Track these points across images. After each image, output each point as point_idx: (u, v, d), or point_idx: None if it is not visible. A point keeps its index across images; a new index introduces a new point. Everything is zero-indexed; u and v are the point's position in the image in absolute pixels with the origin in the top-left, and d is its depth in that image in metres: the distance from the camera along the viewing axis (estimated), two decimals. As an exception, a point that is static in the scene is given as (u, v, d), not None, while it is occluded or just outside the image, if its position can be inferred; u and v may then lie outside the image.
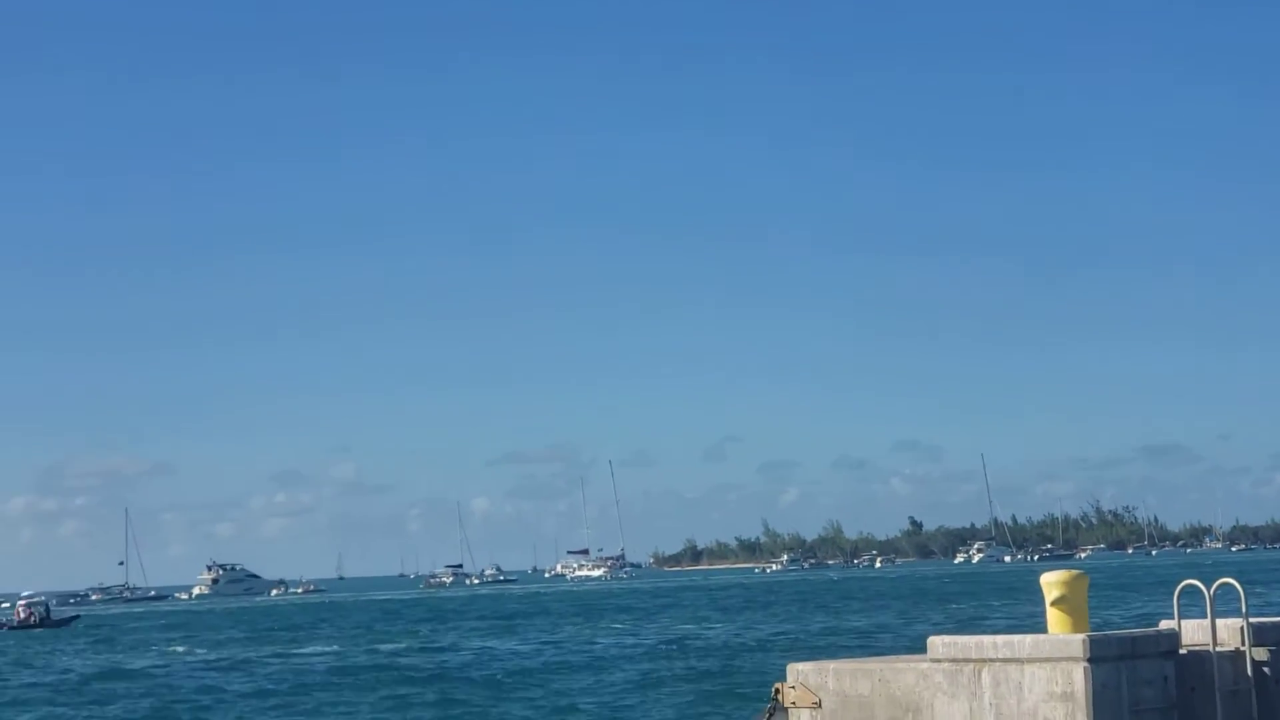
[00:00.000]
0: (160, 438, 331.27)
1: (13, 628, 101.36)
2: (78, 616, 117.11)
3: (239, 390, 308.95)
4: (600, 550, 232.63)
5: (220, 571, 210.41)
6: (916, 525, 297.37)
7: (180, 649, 65.95)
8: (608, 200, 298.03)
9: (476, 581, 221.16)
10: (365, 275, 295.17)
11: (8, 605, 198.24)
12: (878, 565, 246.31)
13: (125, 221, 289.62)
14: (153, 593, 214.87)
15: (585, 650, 52.51)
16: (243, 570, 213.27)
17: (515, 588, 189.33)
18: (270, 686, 42.49)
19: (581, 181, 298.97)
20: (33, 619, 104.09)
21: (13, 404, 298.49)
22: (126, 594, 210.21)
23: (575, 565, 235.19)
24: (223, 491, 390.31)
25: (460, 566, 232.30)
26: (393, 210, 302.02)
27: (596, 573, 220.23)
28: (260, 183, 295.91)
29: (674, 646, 51.84)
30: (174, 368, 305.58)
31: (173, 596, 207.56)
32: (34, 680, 49.71)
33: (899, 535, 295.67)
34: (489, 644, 59.55)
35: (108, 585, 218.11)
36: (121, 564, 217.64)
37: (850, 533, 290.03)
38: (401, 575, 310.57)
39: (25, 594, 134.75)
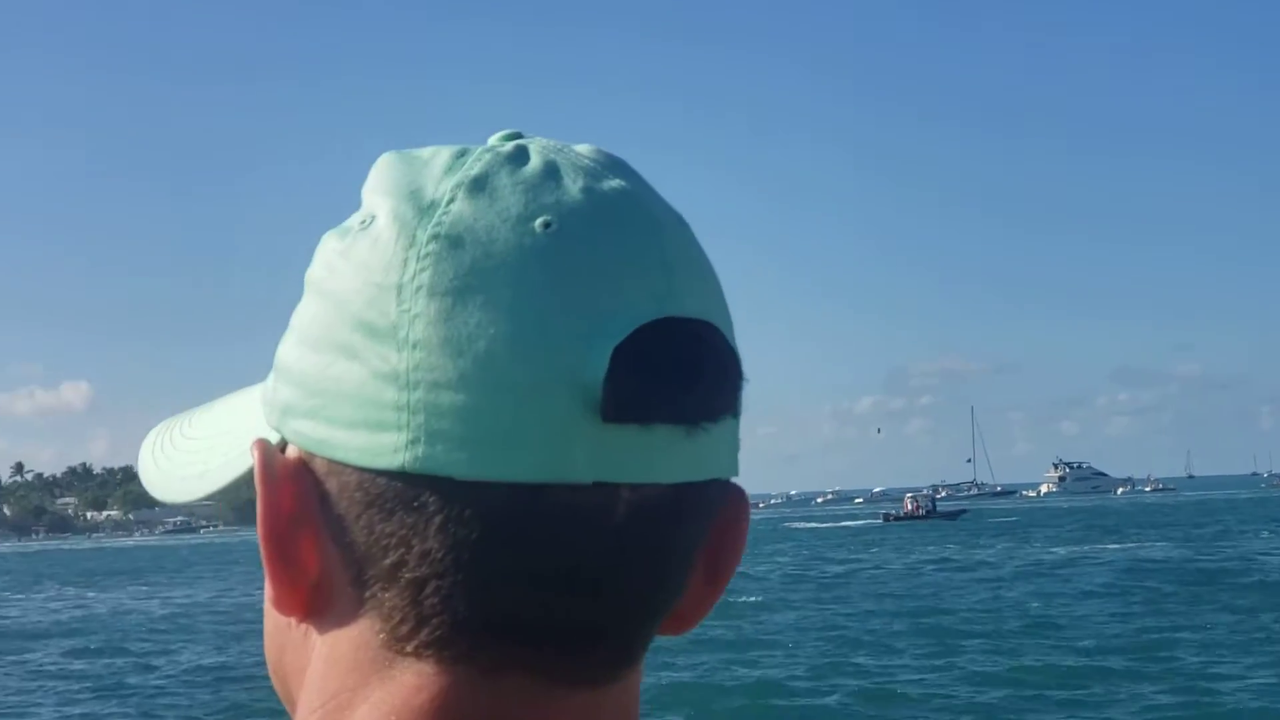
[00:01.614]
0: (1002, 337, 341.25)
1: (898, 519, 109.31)
2: (965, 511, 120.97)
3: (1076, 287, 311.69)
4: None
5: (1066, 469, 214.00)
6: None
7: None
8: None
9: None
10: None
11: (860, 500, 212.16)
12: None
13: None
14: (999, 489, 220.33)
15: None
16: (1089, 468, 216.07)
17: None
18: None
19: None
20: (920, 511, 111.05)
21: (866, 308, 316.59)
22: (974, 490, 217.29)
23: None
24: (1065, 389, 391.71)
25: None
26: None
27: None
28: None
29: None
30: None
31: (1019, 494, 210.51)
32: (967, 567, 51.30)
33: None
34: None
35: (953, 482, 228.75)
36: (969, 461, 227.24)
37: None
38: (1254, 474, 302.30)
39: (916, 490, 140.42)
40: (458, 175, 0.74)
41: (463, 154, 0.76)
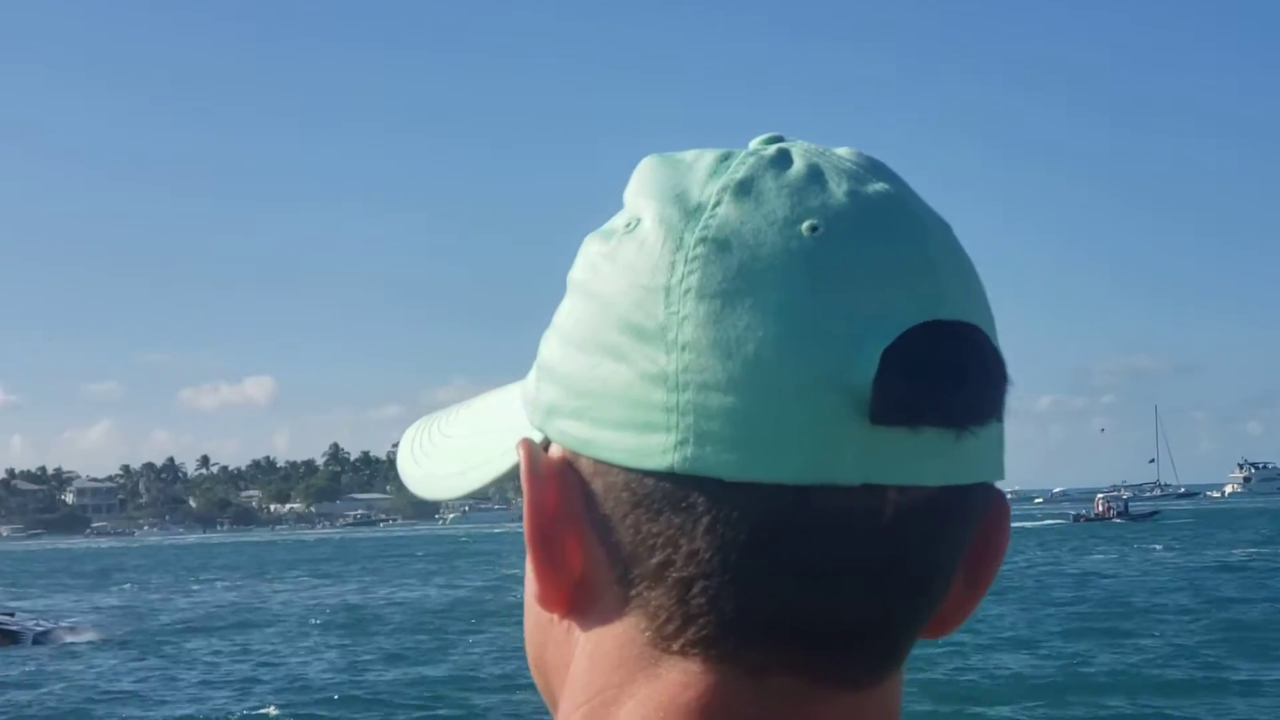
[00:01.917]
0: (1186, 336, 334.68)
1: (1088, 519, 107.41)
2: (1157, 512, 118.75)
3: (1263, 286, 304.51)
4: None
5: (1252, 470, 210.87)
6: None
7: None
8: None
9: None
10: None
11: (1040, 500, 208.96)
12: None
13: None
14: (1182, 489, 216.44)
15: None
16: (1275, 468, 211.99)
17: None
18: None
19: None
20: (1111, 512, 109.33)
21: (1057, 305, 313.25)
22: (1157, 491, 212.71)
23: None
24: (1251, 389, 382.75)
25: None
26: None
27: None
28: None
29: None
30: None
31: (1203, 495, 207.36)
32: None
33: None
34: None
35: (1136, 483, 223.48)
36: (1151, 461, 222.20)
37: None
38: None
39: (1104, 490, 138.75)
40: (723, 179, 0.75)
41: (726, 157, 0.76)
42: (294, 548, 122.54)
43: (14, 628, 39.45)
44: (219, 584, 66.90)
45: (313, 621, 41.44)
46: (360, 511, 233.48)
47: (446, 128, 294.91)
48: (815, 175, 0.74)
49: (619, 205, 0.78)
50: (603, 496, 0.74)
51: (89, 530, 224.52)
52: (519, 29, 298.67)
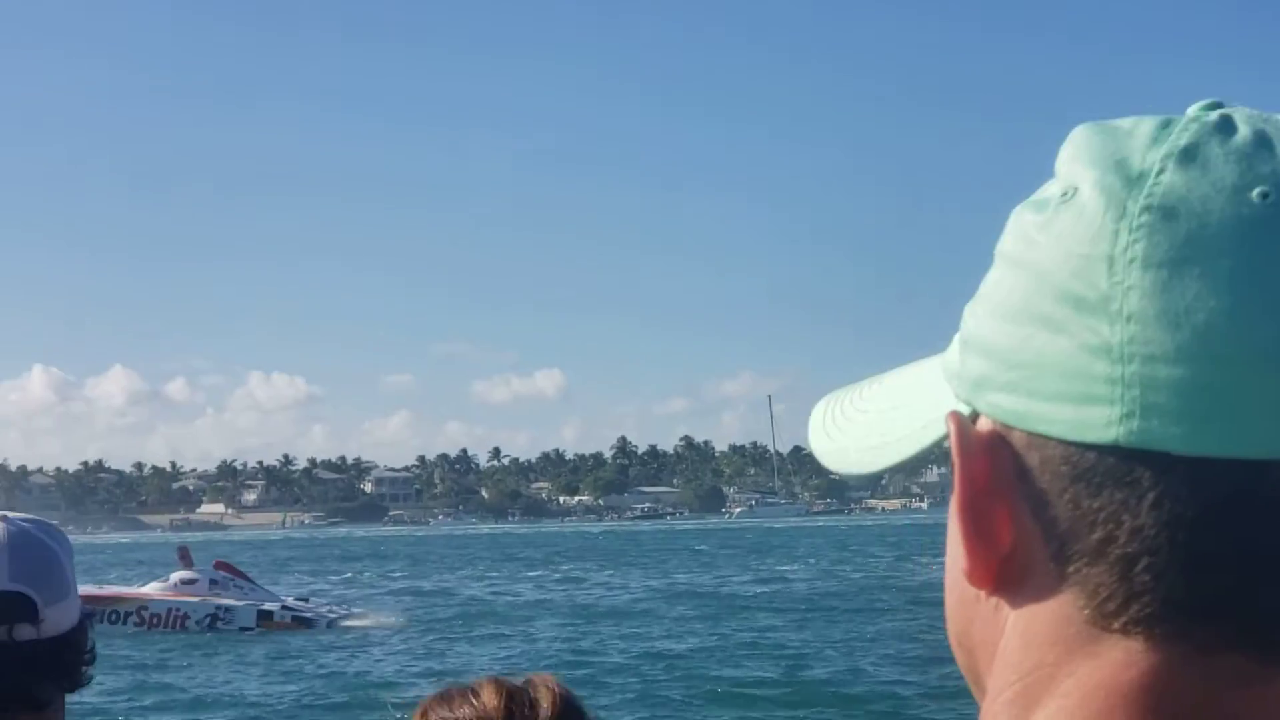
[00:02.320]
0: None
1: None
2: None
3: None
4: None
5: None
6: None
7: None
8: None
9: None
10: None
11: None
12: None
13: None
14: None
15: None
16: None
17: None
18: None
19: None
20: None
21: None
22: None
23: None
24: None
25: None
26: None
27: None
28: None
29: None
30: None
31: None
32: None
33: None
34: None
35: None
36: None
37: None
38: None
39: None
40: (1165, 146, 0.73)
41: (1167, 124, 0.74)
42: (585, 538, 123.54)
43: (308, 614, 39.89)
44: (520, 572, 67.89)
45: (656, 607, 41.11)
46: (648, 505, 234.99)
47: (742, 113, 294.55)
48: (1263, 141, 0.72)
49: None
50: (1039, 470, 0.73)
51: (386, 519, 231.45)
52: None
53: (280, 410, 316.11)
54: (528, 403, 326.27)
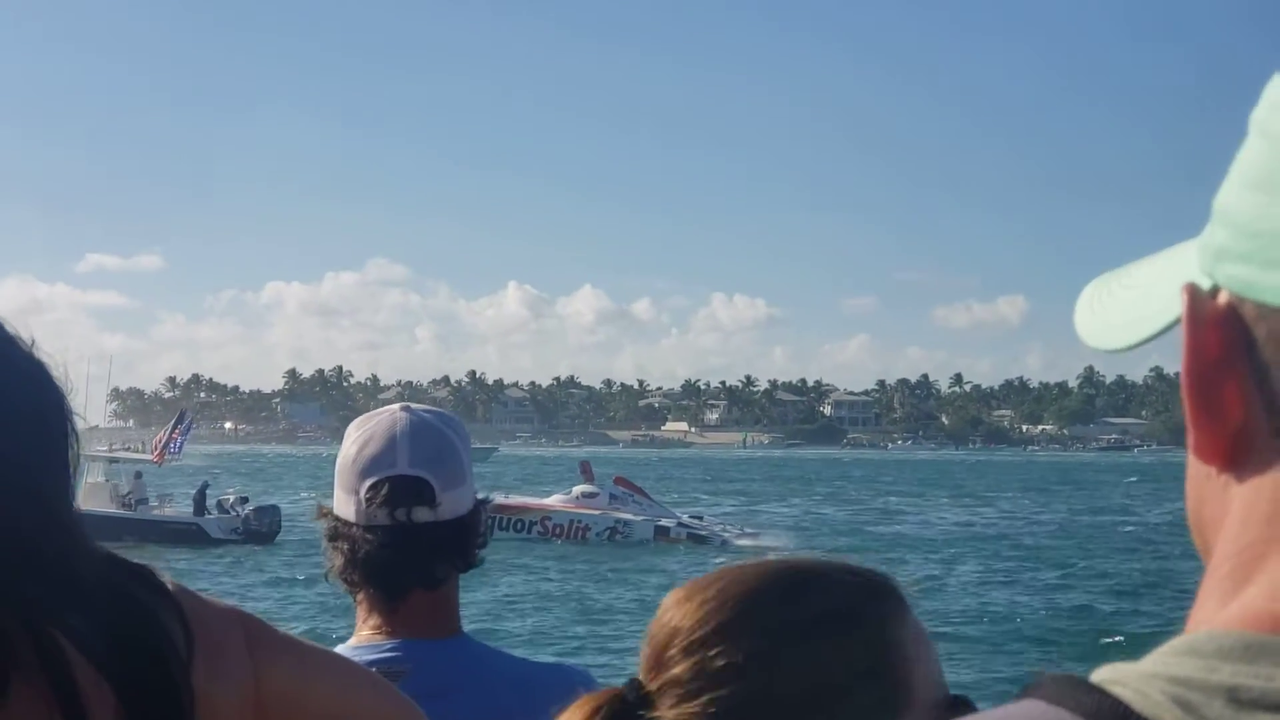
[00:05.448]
0: None
1: None
2: None
3: None
4: None
5: None
6: None
7: None
8: None
9: None
10: None
11: None
12: None
13: None
14: None
15: None
16: None
17: None
18: None
19: None
20: None
21: None
22: None
23: None
24: None
25: None
26: None
27: None
28: None
29: None
30: None
31: None
32: None
33: None
34: None
35: None
36: None
37: None
38: None
39: None
40: None
41: None
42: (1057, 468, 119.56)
43: (703, 532, 40.44)
44: (950, 503, 66.62)
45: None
46: (1115, 436, 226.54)
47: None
48: None
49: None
50: (1264, 342, 0.70)
51: (845, 442, 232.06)
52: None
53: (741, 331, 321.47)
54: (989, 329, 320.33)
